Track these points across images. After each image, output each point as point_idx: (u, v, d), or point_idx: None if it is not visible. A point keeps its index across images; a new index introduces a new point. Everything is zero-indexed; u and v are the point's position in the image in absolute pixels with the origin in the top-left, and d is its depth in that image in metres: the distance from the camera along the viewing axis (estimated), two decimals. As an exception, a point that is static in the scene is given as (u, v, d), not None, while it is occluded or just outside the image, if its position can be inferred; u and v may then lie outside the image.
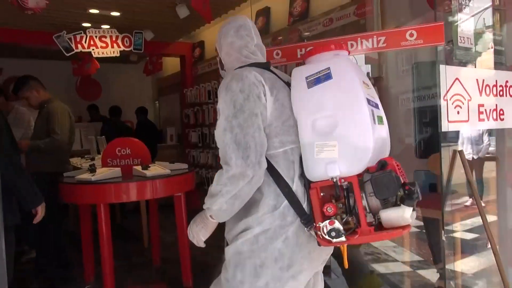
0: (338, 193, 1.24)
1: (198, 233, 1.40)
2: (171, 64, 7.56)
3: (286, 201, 1.31)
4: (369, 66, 3.38)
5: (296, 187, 1.32)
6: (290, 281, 1.32)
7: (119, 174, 2.95)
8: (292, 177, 1.32)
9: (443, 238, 2.26)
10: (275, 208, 1.31)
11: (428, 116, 2.80)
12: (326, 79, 1.27)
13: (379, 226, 1.23)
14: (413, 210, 1.20)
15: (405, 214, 1.18)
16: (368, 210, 1.23)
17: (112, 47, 5.10)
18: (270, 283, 1.31)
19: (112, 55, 5.13)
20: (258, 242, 1.31)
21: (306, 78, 1.30)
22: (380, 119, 1.28)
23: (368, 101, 1.24)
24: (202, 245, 1.43)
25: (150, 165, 3.13)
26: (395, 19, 3.25)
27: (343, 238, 1.19)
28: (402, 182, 1.20)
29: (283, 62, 2.18)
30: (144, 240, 4.28)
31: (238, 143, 1.28)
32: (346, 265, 1.33)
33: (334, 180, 1.24)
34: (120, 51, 5.17)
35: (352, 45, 1.99)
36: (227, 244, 1.41)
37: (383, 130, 1.31)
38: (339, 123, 1.23)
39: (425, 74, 2.77)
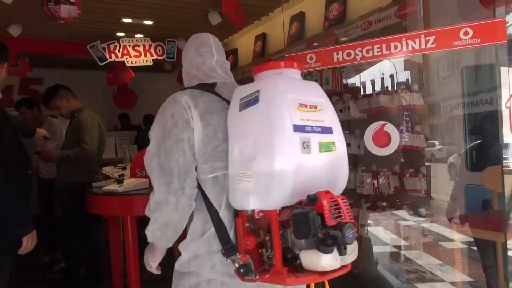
0: (253, 227, 1.12)
1: (148, 260, 1.41)
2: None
3: (213, 228, 1.25)
4: (409, 72, 3.21)
5: (223, 214, 1.25)
6: None
7: (147, 185, 2.86)
8: (220, 203, 1.26)
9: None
10: (202, 234, 1.27)
11: (481, 125, 2.54)
12: (254, 103, 1.16)
13: (301, 270, 1.07)
14: (341, 254, 1.04)
15: (321, 261, 1.01)
16: (290, 247, 1.08)
17: (145, 56, 5.10)
18: None
19: (145, 64, 5.12)
20: (189, 267, 1.29)
21: (240, 100, 1.21)
22: (325, 147, 1.15)
23: (301, 127, 1.10)
24: (155, 271, 1.42)
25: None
26: (441, 20, 3.00)
27: (253, 276, 1.10)
28: (330, 222, 1.01)
29: (317, 67, 2.00)
30: (174, 251, 4.15)
31: (163, 169, 1.26)
32: None
33: (248, 213, 1.13)
34: (153, 60, 5.16)
35: (395, 47, 1.78)
36: None
37: (327, 161, 1.16)
38: (258, 152, 1.12)
39: (481, 77, 2.50)
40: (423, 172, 2.85)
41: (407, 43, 1.75)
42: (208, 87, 1.35)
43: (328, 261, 1.02)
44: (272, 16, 4.83)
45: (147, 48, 5.11)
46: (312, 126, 1.13)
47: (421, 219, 4.40)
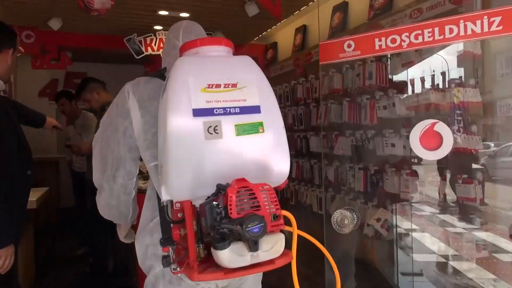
0: (169, 218, 1.03)
1: (118, 232, 1.48)
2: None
3: (158, 217, 1.21)
4: (462, 69, 2.95)
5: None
6: None
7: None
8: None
9: None
10: (149, 222, 1.25)
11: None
12: (165, 90, 1.05)
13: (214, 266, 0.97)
14: (251, 250, 0.91)
15: (219, 257, 0.91)
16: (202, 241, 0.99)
17: (182, 49, 5.00)
18: None
19: (182, 57, 5.03)
20: (145, 261, 1.27)
21: (163, 86, 1.09)
22: (244, 129, 1.00)
23: (206, 110, 0.97)
24: (125, 240, 1.48)
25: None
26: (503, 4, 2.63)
27: (174, 268, 1.05)
28: (242, 212, 0.89)
29: (357, 55, 1.75)
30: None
31: (101, 156, 1.28)
32: None
33: (163, 204, 1.04)
34: (189, 53, 5.05)
35: (451, 31, 1.49)
36: None
37: (255, 141, 1.01)
38: (162, 139, 1.02)
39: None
40: (478, 178, 2.52)
41: (465, 26, 1.46)
42: (157, 73, 1.29)
43: (226, 258, 0.90)
44: (313, 6, 4.56)
45: (183, 41, 5.02)
46: (224, 108, 0.99)
47: (473, 226, 4.04)
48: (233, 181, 0.94)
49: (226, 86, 1.01)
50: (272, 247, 0.94)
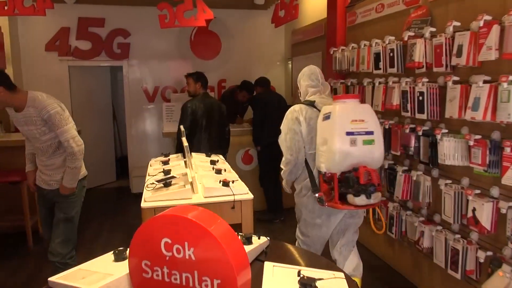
0: (326, 180, 2.51)
1: (284, 186, 2.91)
2: (313, 8, 5.50)
3: (308, 179, 2.68)
4: None
5: (314, 172, 2.64)
6: (316, 220, 2.73)
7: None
8: (313, 166, 2.64)
9: None
10: (304, 180, 2.71)
11: None
12: (328, 118, 2.44)
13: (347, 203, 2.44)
14: (367, 198, 2.34)
15: (353, 200, 2.36)
16: (342, 192, 2.43)
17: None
18: (307, 219, 2.76)
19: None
20: (299, 196, 2.78)
21: (323, 115, 2.49)
22: (368, 142, 2.37)
23: (351, 132, 2.36)
24: (288, 191, 2.93)
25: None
26: None
27: (324, 204, 2.52)
28: (366, 181, 2.34)
29: None
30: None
31: (288, 146, 2.69)
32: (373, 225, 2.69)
33: (323, 173, 2.50)
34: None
35: None
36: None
37: (369, 149, 2.38)
38: (328, 143, 2.40)
39: None
40: None
41: None
42: (311, 102, 2.70)
43: (358, 200, 2.35)
44: None
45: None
46: (358, 132, 2.37)
47: None
48: (359, 166, 2.36)
49: (360, 121, 2.39)
50: (376, 197, 2.37)
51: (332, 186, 2.43)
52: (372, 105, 3.55)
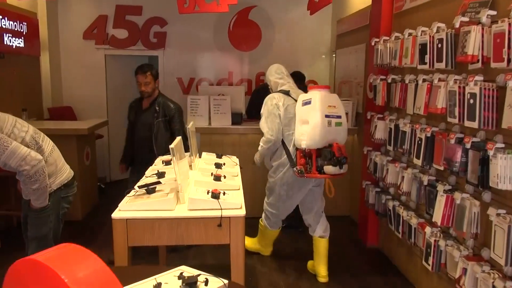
0: (305, 155, 3.07)
1: (259, 160, 3.49)
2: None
3: (285, 156, 3.26)
4: None
5: (291, 150, 3.23)
6: (288, 192, 3.37)
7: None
8: (290, 145, 3.24)
9: None
10: (280, 158, 3.30)
11: None
12: (308, 103, 3.02)
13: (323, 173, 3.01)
14: (340, 168, 2.93)
15: (329, 170, 2.94)
16: (319, 164, 3.02)
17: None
18: (281, 192, 3.38)
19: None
20: (276, 173, 3.36)
21: (302, 101, 3.09)
22: (339, 124, 3.00)
23: (328, 115, 2.97)
24: (259, 164, 3.53)
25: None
26: None
27: (303, 175, 3.04)
28: (337, 155, 2.91)
29: None
30: None
31: (268, 126, 3.25)
32: (327, 191, 3.26)
33: (303, 148, 3.03)
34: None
35: None
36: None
37: (339, 129, 3.02)
38: (309, 123, 2.97)
39: None
40: None
41: None
42: (286, 92, 3.34)
43: (333, 170, 2.93)
44: None
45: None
46: (332, 115, 2.98)
47: None
48: (334, 143, 2.99)
49: (333, 106, 3.03)
50: (345, 168, 2.98)
51: (308, 161, 3.05)
52: (413, 108, 2.97)
